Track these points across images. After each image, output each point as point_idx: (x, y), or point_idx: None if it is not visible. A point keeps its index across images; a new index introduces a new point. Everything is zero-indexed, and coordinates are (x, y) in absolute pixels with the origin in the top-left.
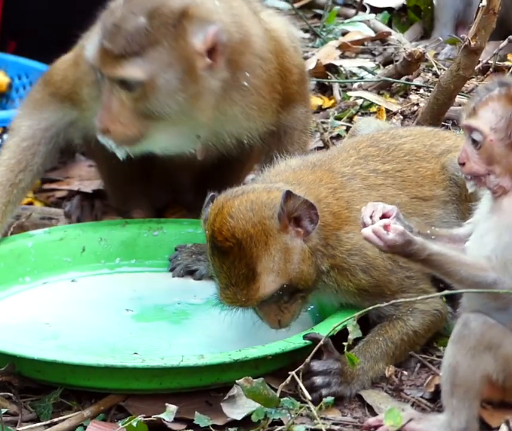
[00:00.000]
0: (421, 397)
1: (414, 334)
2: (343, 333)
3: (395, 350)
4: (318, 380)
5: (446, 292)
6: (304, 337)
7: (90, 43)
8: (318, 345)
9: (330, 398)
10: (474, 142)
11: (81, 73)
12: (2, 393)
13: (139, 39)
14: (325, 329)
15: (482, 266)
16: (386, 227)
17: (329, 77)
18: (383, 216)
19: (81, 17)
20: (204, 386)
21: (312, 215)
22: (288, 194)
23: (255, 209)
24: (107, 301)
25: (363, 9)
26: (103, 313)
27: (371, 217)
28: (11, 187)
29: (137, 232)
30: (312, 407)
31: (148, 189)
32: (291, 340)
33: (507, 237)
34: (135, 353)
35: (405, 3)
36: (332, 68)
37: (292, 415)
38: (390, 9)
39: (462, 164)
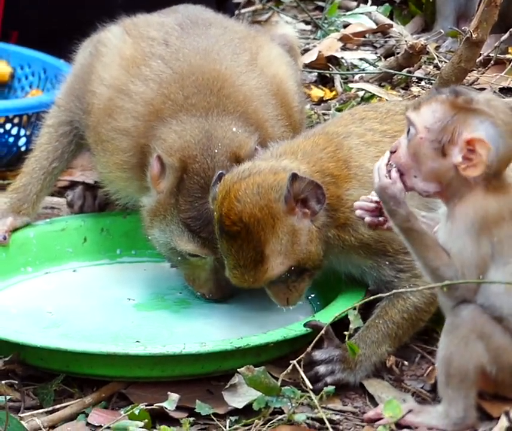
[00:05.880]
0: (421, 388)
1: (415, 310)
2: (344, 321)
3: (397, 330)
4: (322, 369)
5: (448, 282)
6: (305, 325)
7: None
8: (320, 334)
9: (331, 388)
10: (408, 134)
11: None
12: (5, 381)
13: None
14: (325, 317)
15: (447, 261)
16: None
17: (330, 69)
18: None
19: (82, 7)
20: (205, 374)
21: (319, 195)
22: (294, 176)
23: (262, 192)
24: (108, 290)
25: (365, 1)
26: (104, 302)
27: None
28: (44, 175)
29: (138, 223)
30: (313, 396)
31: None
32: (292, 327)
33: (460, 244)
34: (137, 341)
35: None
36: (334, 60)
37: (293, 404)
38: (391, 2)
39: (393, 152)
